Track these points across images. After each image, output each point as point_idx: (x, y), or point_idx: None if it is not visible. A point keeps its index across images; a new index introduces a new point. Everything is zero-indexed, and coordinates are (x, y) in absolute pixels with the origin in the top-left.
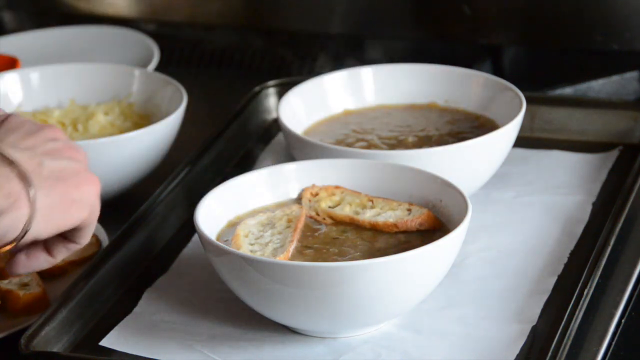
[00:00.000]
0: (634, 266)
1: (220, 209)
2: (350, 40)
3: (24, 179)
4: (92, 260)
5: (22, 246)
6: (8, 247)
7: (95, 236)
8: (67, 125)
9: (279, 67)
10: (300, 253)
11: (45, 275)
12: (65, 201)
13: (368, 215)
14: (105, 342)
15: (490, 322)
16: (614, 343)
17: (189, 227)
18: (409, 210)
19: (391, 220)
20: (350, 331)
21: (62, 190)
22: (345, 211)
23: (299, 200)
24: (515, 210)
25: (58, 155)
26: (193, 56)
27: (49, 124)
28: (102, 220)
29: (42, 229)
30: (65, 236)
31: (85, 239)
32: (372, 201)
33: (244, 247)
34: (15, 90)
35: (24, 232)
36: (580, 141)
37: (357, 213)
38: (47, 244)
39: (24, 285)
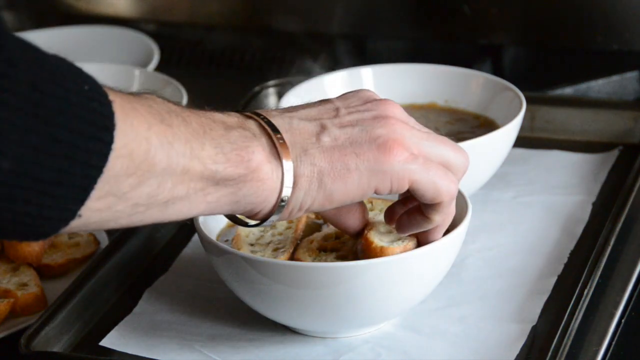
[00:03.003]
0: (634, 266)
1: None
2: (350, 40)
3: (274, 151)
4: (92, 260)
5: (295, 215)
6: (267, 220)
7: (94, 236)
8: None
9: (279, 67)
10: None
11: (45, 275)
12: (338, 169)
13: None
14: (105, 342)
15: (490, 322)
16: (614, 343)
17: (189, 227)
18: None
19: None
20: (350, 331)
21: (337, 156)
22: None
23: None
24: (515, 210)
25: (358, 123)
26: (193, 56)
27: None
28: None
29: (307, 200)
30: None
31: (428, 193)
32: (371, 202)
33: (245, 247)
34: None
35: (279, 203)
36: (580, 141)
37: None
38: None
39: (23, 285)
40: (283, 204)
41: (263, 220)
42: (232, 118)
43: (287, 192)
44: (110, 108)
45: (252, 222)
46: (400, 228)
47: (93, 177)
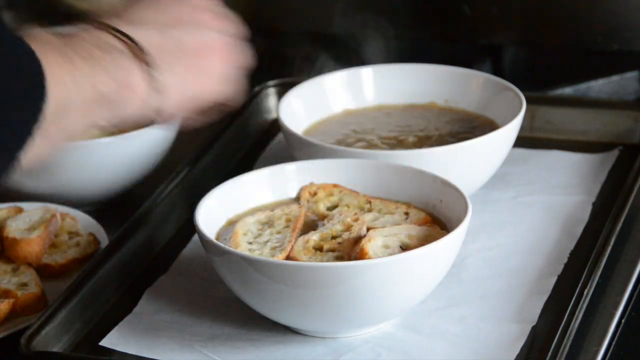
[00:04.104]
0: (634, 266)
1: (220, 209)
2: (350, 40)
3: (141, 58)
4: (92, 260)
5: (164, 120)
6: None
7: (94, 236)
8: None
9: (279, 67)
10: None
11: (45, 275)
12: (191, 75)
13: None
14: (105, 342)
15: (490, 322)
16: (614, 343)
17: (189, 227)
18: (407, 213)
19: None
20: (350, 331)
21: (186, 62)
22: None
23: (297, 199)
24: (515, 210)
25: (193, 26)
26: None
27: None
28: (102, 220)
29: (174, 105)
30: None
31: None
32: (370, 202)
33: (242, 245)
34: None
35: (153, 110)
36: (580, 141)
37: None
38: None
39: (23, 285)
40: (151, 110)
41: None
42: (100, 40)
43: (154, 98)
44: (41, 68)
45: None
46: None
47: (31, 127)
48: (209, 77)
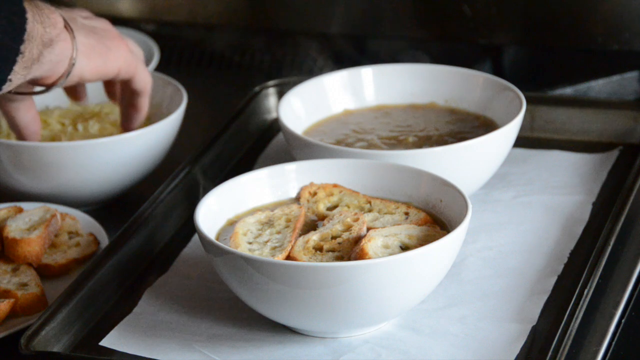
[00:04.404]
0: (634, 266)
1: (220, 209)
2: (350, 40)
3: (65, 20)
4: (92, 260)
5: (70, 85)
6: (58, 82)
7: (93, 236)
8: (67, 125)
9: (279, 67)
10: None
11: (45, 275)
12: (101, 46)
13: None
14: (105, 342)
15: (490, 322)
16: (614, 343)
17: (189, 227)
18: (407, 213)
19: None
20: (350, 331)
21: (97, 37)
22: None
23: (297, 199)
24: (515, 210)
25: (91, 21)
26: (193, 56)
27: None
28: (102, 220)
29: (85, 67)
30: (129, 89)
31: (140, 83)
32: (370, 202)
33: (242, 245)
34: None
35: (71, 65)
36: (580, 141)
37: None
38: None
39: (23, 285)
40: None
41: (51, 85)
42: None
43: (76, 55)
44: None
45: (39, 89)
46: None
47: (15, 54)
48: (113, 52)
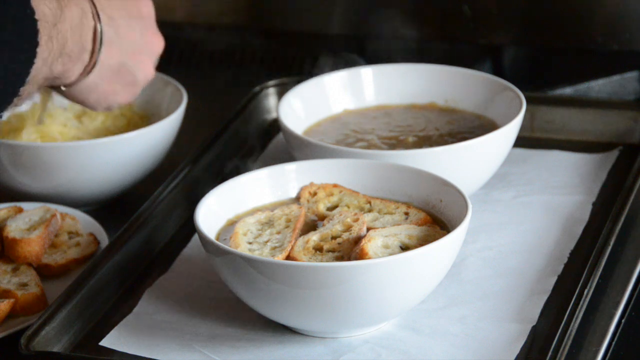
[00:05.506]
0: (634, 266)
1: (220, 209)
2: (350, 40)
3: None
4: (92, 260)
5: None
6: (94, 59)
7: (93, 236)
8: (67, 125)
9: (279, 67)
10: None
11: (45, 275)
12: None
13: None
14: (105, 342)
15: (490, 322)
16: (614, 343)
17: (189, 227)
18: (407, 213)
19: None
20: (350, 331)
21: (124, 22)
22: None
23: (297, 199)
24: (515, 210)
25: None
26: (193, 56)
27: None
28: (102, 220)
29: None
30: None
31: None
32: (370, 202)
33: (242, 245)
34: None
35: (100, 43)
36: (580, 141)
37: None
38: None
39: (23, 285)
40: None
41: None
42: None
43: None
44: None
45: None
46: None
47: (28, 65)
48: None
